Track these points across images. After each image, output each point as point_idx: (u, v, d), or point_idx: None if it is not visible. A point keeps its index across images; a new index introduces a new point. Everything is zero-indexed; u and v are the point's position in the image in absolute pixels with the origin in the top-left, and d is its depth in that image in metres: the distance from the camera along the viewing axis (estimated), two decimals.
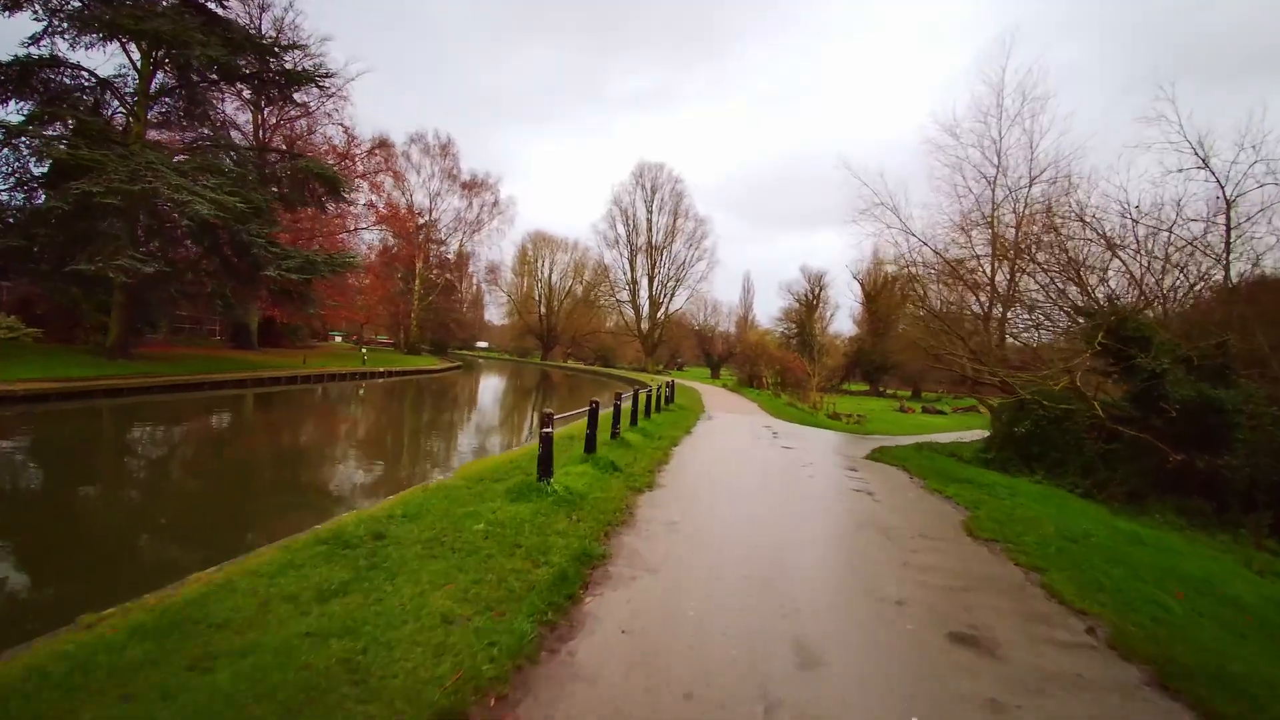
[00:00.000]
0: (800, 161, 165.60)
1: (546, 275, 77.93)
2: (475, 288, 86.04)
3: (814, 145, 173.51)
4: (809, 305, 77.06)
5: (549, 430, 5.95)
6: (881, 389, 71.10)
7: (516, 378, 50.62)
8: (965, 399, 68.67)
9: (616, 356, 73.90)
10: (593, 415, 7.94)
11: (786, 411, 23.73)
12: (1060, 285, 16.16)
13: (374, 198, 37.82)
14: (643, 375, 50.26)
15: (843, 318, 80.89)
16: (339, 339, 67.76)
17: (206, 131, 20.62)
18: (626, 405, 11.27)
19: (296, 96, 34.47)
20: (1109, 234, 15.55)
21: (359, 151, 37.14)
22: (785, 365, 35.57)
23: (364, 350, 35.33)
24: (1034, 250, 17.30)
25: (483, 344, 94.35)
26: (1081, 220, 15.85)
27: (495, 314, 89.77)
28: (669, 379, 28.40)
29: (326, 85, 22.52)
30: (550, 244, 78.20)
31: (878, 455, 12.69)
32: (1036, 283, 17.48)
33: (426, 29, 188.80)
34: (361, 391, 27.12)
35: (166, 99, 22.24)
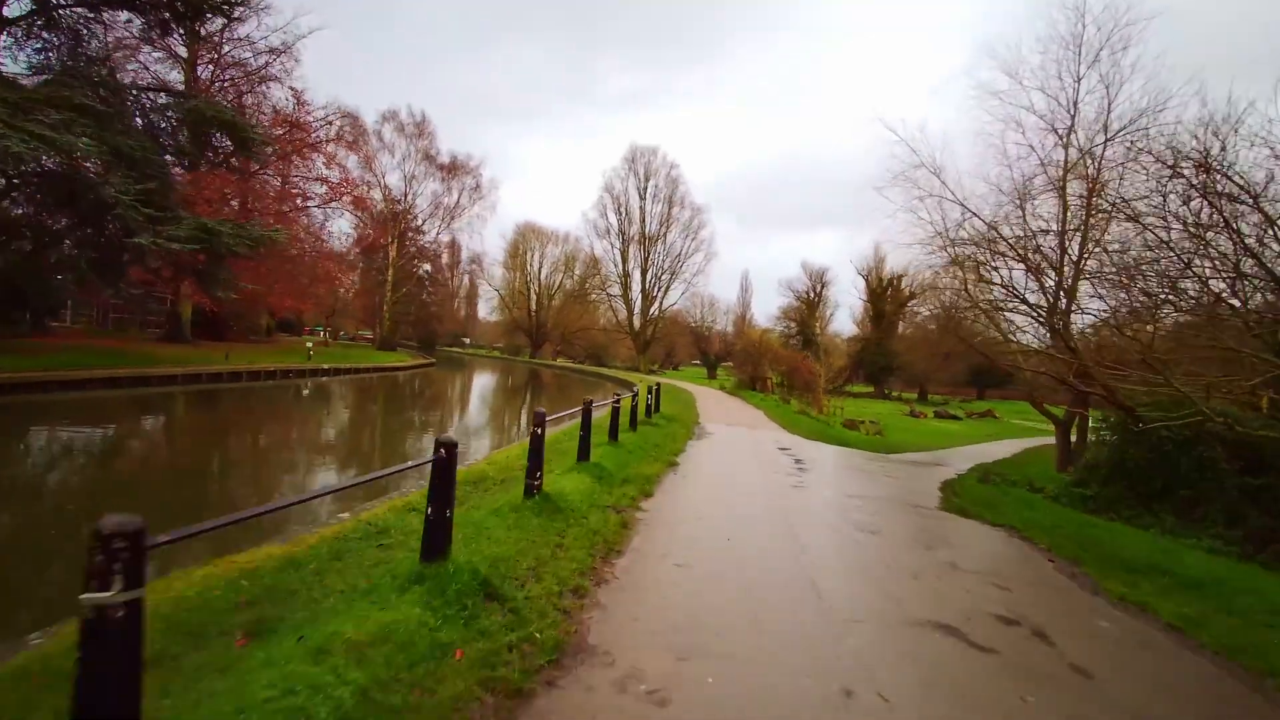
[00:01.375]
0: (799, 162, 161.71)
1: (536, 269, 73.48)
2: (468, 283, 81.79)
3: (813, 146, 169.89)
4: (810, 303, 73.42)
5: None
6: (887, 391, 67.36)
7: (496, 376, 46.19)
8: (975, 402, 64.75)
9: (609, 355, 69.61)
10: (440, 473, 3.54)
11: (799, 422, 19.40)
12: (1182, 257, 11.88)
13: (328, 172, 33.35)
14: (633, 375, 45.99)
15: (842, 317, 77.38)
16: (323, 334, 63.00)
17: (69, 63, 16.19)
18: (563, 431, 6.98)
19: (240, 54, 30.30)
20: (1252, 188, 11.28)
21: (311, 119, 32.69)
22: (792, 366, 31.28)
23: (310, 345, 30.94)
24: (1133, 213, 13.01)
25: (465, 340, 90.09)
26: (1210, 170, 11.58)
27: (486, 309, 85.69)
28: (660, 380, 24.23)
29: (236, 14, 18.08)
30: (540, 236, 73.88)
31: (958, 503, 8.39)
32: (1136, 257, 13.16)
33: (418, 23, 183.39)
34: (305, 391, 22.75)
35: (45, 34, 17.97)
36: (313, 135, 32.95)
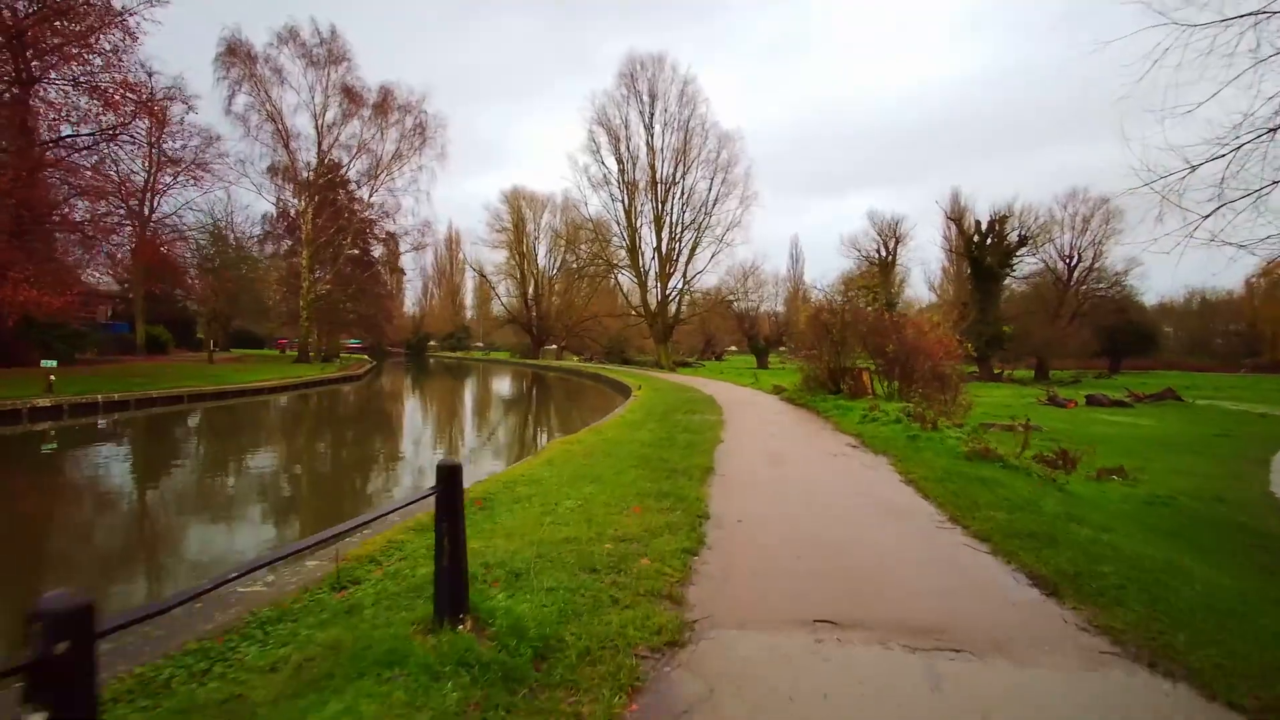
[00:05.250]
0: (821, 123, 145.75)
1: (530, 246, 59.36)
2: (475, 275, 69.23)
3: (833, 102, 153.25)
4: (885, 264, 56.57)
5: None
6: (996, 370, 50.09)
7: (415, 399, 32.72)
8: (1119, 377, 46.89)
9: (634, 348, 53.89)
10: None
11: (1068, 538, 4.14)
12: None
13: (105, 76, 19.96)
14: (638, 376, 31.40)
15: (915, 282, 60.85)
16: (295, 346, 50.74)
17: None
18: None
19: None
20: None
21: None
22: (911, 344, 16.31)
23: (52, 366, 17.63)
24: None
25: (477, 343, 77.80)
26: None
27: (499, 306, 73.39)
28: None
29: None
30: (532, 203, 59.60)
31: None
32: None
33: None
34: None
35: None
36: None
